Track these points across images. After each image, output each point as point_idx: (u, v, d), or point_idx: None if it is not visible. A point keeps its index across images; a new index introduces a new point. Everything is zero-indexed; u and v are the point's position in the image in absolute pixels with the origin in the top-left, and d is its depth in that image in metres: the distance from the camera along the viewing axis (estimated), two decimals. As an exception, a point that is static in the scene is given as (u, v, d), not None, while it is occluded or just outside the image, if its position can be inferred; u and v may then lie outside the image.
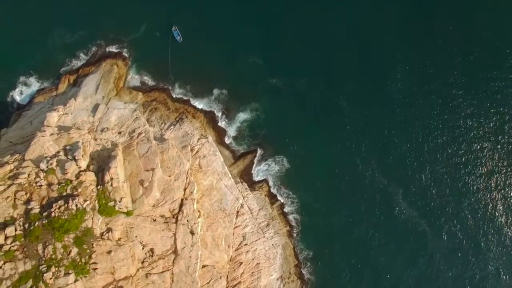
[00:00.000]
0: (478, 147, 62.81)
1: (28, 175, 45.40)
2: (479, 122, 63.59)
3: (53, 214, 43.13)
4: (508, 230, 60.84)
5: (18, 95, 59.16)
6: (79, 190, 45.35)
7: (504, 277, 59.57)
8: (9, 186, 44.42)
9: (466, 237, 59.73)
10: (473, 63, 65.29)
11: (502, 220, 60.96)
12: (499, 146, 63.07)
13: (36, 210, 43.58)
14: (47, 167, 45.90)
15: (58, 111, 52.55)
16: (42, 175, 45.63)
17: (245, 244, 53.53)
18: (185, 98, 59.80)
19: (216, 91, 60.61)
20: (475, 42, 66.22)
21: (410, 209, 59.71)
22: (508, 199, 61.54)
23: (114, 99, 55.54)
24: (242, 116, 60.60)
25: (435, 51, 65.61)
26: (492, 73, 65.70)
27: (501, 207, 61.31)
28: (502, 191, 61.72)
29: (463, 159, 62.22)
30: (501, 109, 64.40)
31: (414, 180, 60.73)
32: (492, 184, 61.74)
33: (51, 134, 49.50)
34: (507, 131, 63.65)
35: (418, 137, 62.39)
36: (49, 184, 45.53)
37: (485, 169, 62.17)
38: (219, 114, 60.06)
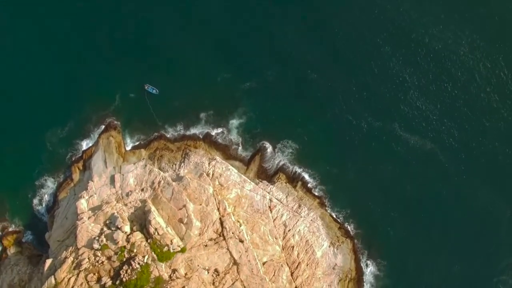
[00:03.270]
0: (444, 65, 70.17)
1: (88, 258, 53.13)
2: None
3: (124, 280, 50.79)
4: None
5: (42, 200, 66.52)
6: (135, 250, 52.97)
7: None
8: (78, 274, 52.11)
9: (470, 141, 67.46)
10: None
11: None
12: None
13: (109, 283, 51.22)
14: (99, 245, 53.56)
15: (83, 197, 60.08)
16: (99, 253, 53.32)
17: (288, 230, 60.95)
18: (180, 135, 66.87)
19: (203, 115, 67.34)
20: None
21: (412, 136, 66.83)
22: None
23: (123, 164, 62.92)
24: (235, 123, 67.37)
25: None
26: None
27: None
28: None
29: (437, 76, 69.38)
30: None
31: (404, 111, 67.71)
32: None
33: (89, 218, 57.09)
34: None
35: (391, 75, 69.15)
36: (108, 258, 53.20)
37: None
38: (214, 133, 67.00)
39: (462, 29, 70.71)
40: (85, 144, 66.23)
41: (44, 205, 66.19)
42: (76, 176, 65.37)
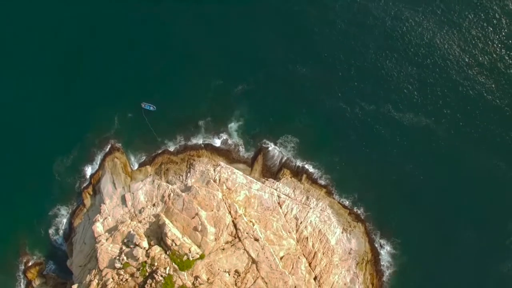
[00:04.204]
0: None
1: (112, 278, 55.40)
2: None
3: (150, 293, 53.09)
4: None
5: (58, 230, 68.79)
6: (156, 263, 55.26)
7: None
8: (104, 295, 54.41)
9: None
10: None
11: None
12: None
13: (136, 298, 53.59)
14: (121, 264, 55.86)
15: (98, 220, 62.41)
16: (122, 271, 55.63)
17: (300, 223, 63.19)
18: (182, 146, 69.01)
19: (202, 123, 69.60)
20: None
21: (406, 114, 68.92)
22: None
23: (132, 183, 65.24)
24: (234, 126, 69.68)
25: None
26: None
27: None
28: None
29: (424, 54, 71.75)
30: None
31: (394, 92, 69.87)
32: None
33: (107, 239, 59.40)
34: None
35: (377, 59, 71.30)
36: (132, 275, 55.53)
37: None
38: (215, 140, 69.14)
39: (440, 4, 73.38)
40: (91, 169, 68.58)
41: (61, 234, 68.46)
42: (87, 201, 67.69)
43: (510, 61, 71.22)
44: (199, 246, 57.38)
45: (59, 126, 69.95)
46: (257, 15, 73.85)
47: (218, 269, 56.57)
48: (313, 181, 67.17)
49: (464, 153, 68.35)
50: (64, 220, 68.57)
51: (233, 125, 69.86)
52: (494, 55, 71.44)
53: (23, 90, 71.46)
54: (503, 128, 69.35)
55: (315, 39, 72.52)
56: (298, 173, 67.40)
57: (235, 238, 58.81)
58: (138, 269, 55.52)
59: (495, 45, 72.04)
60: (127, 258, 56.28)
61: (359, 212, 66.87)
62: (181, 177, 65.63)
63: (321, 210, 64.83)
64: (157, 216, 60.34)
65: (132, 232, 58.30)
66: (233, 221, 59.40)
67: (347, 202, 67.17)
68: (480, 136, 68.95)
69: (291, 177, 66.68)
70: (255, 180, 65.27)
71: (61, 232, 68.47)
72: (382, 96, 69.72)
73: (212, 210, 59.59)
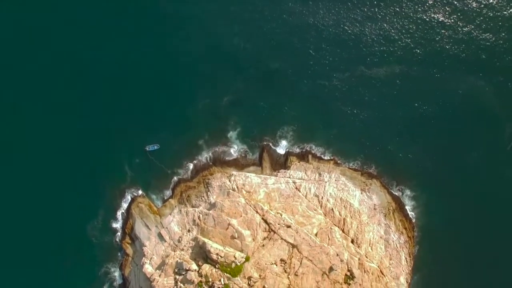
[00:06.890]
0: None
1: (177, 306, 61.95)
2: None
3: (214, 306, 59.68)
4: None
5: (112, 284, 74.99)
6: (210, 279, 61.79)
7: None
8: (176, 322, 60.95)
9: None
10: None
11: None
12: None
13: (204, 315, 60.13)
14: (180, 291, 62.45)
15: (145, 262, 68.97)
16: (183, 297, 62.19)
17: (321, 198, 69.68)
18: (193, 170, 75.51)
19: (201, 142, 75.78)
20: None
21: (380, 69, 75.74)
22: None
23: (162, 219, 71.80)
24: (233, 135, 76.04)
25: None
26: None
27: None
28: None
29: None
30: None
31: (361, 52, 76.59)
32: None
33: (159, 276, 65.94)
34: None
35: (340, 29, 78.22)
36: (192, 297, 62.05)
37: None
38: (220, 151, 75.45)
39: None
40: (122, 221, 74.78)
41: (116, 288, 75.32)
42: (129, 250, 74.19)
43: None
44: (241, 251, 63.93)
45: (79, 194, 75.56)
46: (218, 23, 79.95)
47: (265, 264, 63.14)
48: (319, 158, 73.65)
49: (444, 84, 74.87)
50: (116, 274, 75.08)
51: (232, 134, 76.17)
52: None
53: (29, 171, 76.84)
54: (470, 49, 76.27)
55: (278, 32, 78.76)
56: (303, 156, 73.89)
57: (270, 232, 65.35)
58: (196, 290, 62.23)
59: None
60: (184, 284, 62.85)
61: (370, 170, 73.38)
62: (203, 198, 72.22)
63: (335, 180, 71.34)
64: (195, 239, 66.86)
65: (179, 260, 64.88)
66: (262, 218, 65.95)
67: (356, 165, 73.77)
68: (453, 65, 75.81)
69: (298, 162, 73.21)
70: (268, 176, 71.93)
71: (116, 285, 75.02)
72: (352, 61, 76.19)
73: (241, 216, 66.19)
